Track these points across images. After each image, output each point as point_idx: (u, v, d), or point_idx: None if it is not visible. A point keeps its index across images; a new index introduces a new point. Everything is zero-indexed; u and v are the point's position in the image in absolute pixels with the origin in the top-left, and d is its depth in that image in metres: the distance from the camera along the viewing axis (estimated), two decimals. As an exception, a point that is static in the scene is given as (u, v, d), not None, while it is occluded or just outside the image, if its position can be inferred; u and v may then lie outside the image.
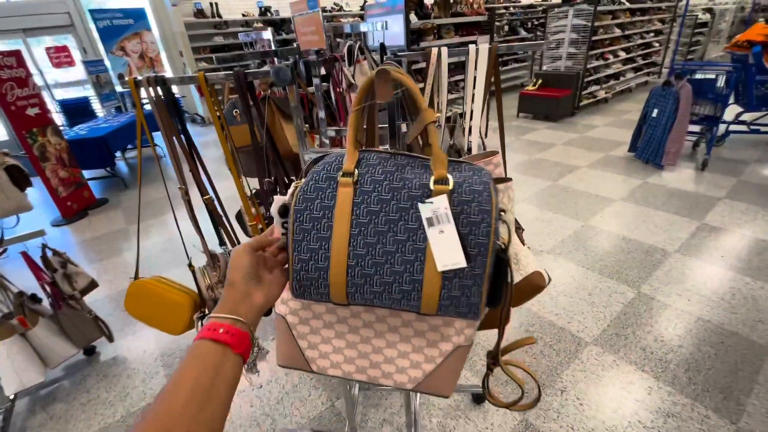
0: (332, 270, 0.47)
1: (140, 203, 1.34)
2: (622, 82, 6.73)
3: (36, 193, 4.34)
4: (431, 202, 0.44)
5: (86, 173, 4.05)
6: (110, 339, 2.00)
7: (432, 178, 0.45)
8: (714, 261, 2.36)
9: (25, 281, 1.91)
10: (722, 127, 3.96)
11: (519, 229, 1.20)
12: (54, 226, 3.64)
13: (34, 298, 1.89)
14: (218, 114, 1.08)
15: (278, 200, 0.52)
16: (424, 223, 0.45)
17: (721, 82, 3.50)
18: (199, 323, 1.11)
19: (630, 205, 3.14)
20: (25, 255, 1.76)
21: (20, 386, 1.60)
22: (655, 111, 3.69)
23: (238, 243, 1.18)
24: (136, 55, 7.00)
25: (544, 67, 6.11)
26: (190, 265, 1.22)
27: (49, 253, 1.82)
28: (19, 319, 1.69)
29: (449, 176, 0.45)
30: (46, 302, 1.92)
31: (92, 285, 1.94)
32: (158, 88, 0.98)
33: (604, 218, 2.97)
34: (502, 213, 0.48)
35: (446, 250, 0.44)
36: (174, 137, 1.03)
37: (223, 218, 1.19)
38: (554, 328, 1.95)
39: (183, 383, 0.38)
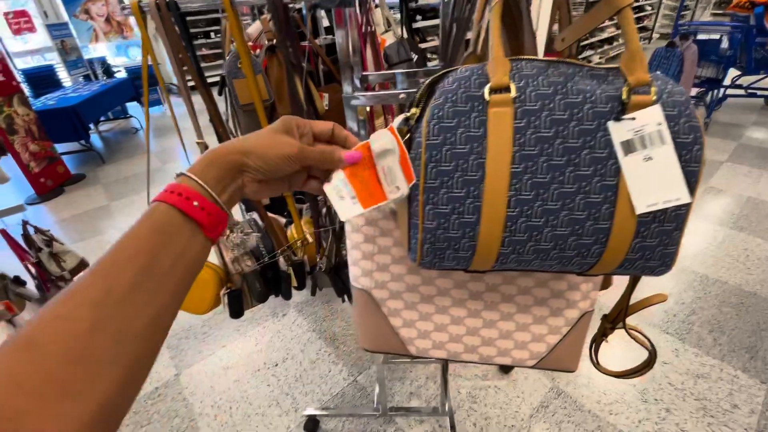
0: (484, 225, 0.35)
1: (149, 164, 1.17)
2: (615, 47, 6.62)
3: (6, 168, 4.01)
4: (632, 119, 0.32)
5: (59, 147, 3.74)
6: (106, 322, 1.86)
7: (624, 88, 0.33)
8: (724, 223, 2.35)
9: (5, 263, 1.73)
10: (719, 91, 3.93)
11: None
12: (28, 204, 3.37)
13: (18, 281, 1.71)
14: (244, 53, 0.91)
15: (380, 135, 0.38)
16: (617, 149, 0.33)
17: (725, 42, 3.43)
18: (225, 299, 0.99)
19: (634, 170, 3.10)
20: (5, 233, 1.58)
21: (12, 376, 1.46)
22: (658, 73, 3.61)
23: (265, 210, 1.04)
24: (102, 18, 6.45)
25: (539, 32, 5.93)
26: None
27: (32, 231, 1.64)
28: (4, 304, 1.52)
29: (653, 82, 0.33)
30: (31, 285, 1.75)
31: (82, 264, 1.77)
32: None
33: (611, 184, 2.92)
34: None
35: (655, 182, 0.32)
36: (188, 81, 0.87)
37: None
38: (575, 295, 1.91)
39: (133, 257, 0.27)
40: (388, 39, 1.57)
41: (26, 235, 1.63)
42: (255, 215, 1.05)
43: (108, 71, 5.64)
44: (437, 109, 0.35)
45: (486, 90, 0.34)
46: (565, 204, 0.34)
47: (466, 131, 0.34)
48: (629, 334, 0.57)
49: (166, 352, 1.77)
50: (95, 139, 4.91)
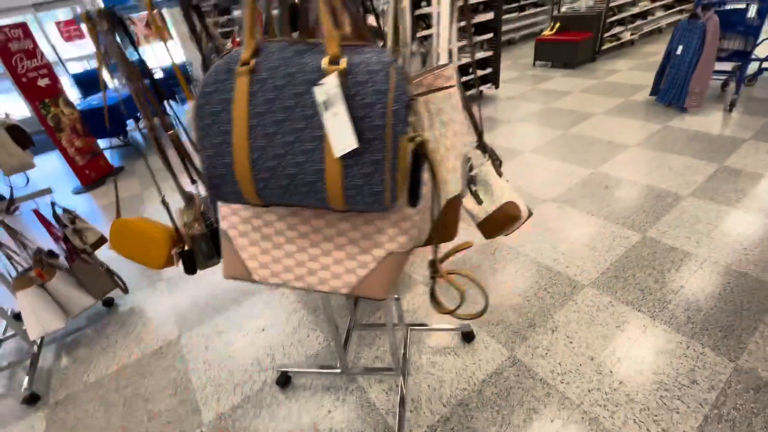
0: (236, 165, 0.46)
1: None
2: (650, 21, 6.21)
3: (56, 163, 4.54)
4: (323, 84, 0.43)
5: (102, 143, 4.17)
6: (125, 290, 2.13)
7: (325, 60, 0.44)
8: (730, 203, 2.24)
9: (39, 239, 2.03)
10: (755, 65, 3.65)
11: (496, 160, 1.16)
12: (75, 194, 3.81)
13: (51, 254, 2.01)
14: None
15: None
16: (320, 107, 0.43)
17: (752, 11, 3.17)
18: (179, 260, 1.17)
19: (645, 150, 2.98)
20: (37, 212, 1.86)
21: (42, 331, 1.74)
22: (680, 48, 3.40)
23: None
24: (142, 23, 6.95)
25: (563, 9, 5.69)
26: (164, 201, 1.27)
27: (59, 211, 1.92)
28: (36, 271, 1.81)
29: (343, 56, 0.43)
30: (62, 259, 2.04)
31: (102, 240, 2.04)
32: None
33: (616, 165, 2.84)
34: (413, 102, 0.46)
35: (340, 133, 0.42)
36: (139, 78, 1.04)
37: (191, 156, 1.21)
38: (551, 273, 1.93)
39: None
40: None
41: (55, 214, 1.91)
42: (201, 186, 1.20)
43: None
44: (205, 78, 0.47)
45: (238, 65, 0.45)
46: (288, 150, 0.45)
47: (220, 95, 0.46)
48: (445, 279, 0.65)
49: (172, 317, 2.01)
50: (136, 135, 5.38)
